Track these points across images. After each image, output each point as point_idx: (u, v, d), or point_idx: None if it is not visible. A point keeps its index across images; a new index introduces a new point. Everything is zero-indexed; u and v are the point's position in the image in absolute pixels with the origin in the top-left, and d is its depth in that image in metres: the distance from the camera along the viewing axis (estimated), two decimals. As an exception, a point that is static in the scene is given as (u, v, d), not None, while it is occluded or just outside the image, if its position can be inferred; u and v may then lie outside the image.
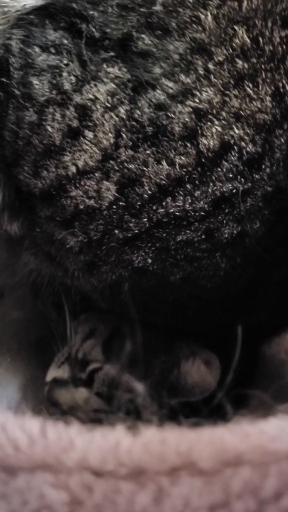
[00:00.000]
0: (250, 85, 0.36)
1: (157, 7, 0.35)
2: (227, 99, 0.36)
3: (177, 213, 0.38)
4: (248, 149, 0.37)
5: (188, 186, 0.37)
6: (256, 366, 0.43)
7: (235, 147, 0.37)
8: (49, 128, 0.37)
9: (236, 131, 0.36)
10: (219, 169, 0.37)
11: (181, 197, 0.37)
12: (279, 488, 0.22)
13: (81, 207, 0.38)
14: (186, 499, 0.22)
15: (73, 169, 0.38)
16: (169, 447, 0.23)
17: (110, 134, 0.37)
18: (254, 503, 0.22)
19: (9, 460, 0.23)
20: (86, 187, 0.38)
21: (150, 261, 0.39)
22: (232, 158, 0.37)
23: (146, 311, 0.43)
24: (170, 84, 0.36)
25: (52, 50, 0.37)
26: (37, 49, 0.37)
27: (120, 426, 0.23)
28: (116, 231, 0.39)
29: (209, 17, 0.35)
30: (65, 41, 0.36)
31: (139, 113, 0.36)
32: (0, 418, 0.24)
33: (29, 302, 0.52)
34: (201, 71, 0.36)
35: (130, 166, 0.37)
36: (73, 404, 0.43)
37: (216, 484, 0.22)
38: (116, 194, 0.38)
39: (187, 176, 0.37)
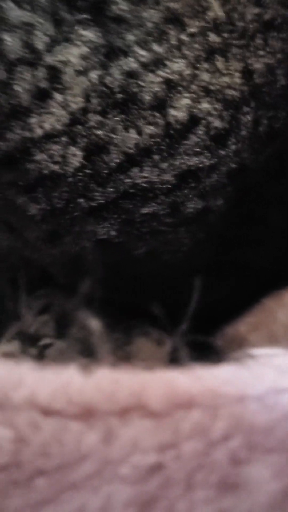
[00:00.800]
0: (221, 59, 0.37)
1: (134, -28, 0.36)
2: (197, 72, 0.37)
3: (144, 185, 0.38)
4: (215, 124, 0.37)
5: (155, 157, 0.38)
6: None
7: (203, 121, 0.37)
8: (18, 88, 0.37)
9: (205, 105, 0.37)
10: (186, 142, 0.38)
11: (148, 168, 0.38)
12: (228, 430, 0.22)
13: (46, 172, 0.38)
14: (135, 440, 0.22)
15: (39, 131, 0.38)
16: (121, 387, 0.22)
17: (79, 98, 0.37)
18: (202, 444, 0.22)
19: None
20: (52, 151, 0.38)
21: (114, 233, 0.40)
22: (200, 132, 0.37)
23: (105, 287, 0.43)
24: (143, 52, 0.37)
25: (26, 6, 0.37)
26: (10, 3, 0.37)
27: (73, 365, 0.23)
28: (81, 200, 0.39)
29: None
30: None
31: (110, 79, 0.37)
32: None
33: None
34: (173, 42, 0.37)
35: (98, 132, 0.37)
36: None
37: (166, 425, 0.22)
38: (83, 161, 0.38)
39: (155, 147, 0.38)
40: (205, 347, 0.35)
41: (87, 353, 0.28)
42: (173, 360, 0.25)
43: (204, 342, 0.35)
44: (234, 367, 0.23)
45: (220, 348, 0.28)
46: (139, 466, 0.22)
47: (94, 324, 0.24)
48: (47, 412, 0.23)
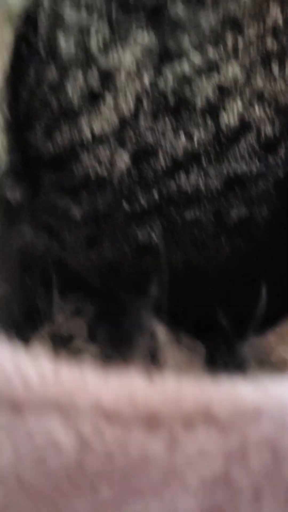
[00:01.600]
0: (277, 66, 0.37)
1: (194, -23, 0.36)
2: (252, 77, 0.37)
3: (189, 190, 0.38)
4: (266, 131, 0.37)
5: (203, 162, 0.38)
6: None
7: (254, 128, 0.37)
8: (69, 89, 0.37)
9: (257, 111, 0.37)
10: (236, 148, 0.38)
11: (195, 174, 0.38)
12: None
13: (92, 175, 0.38)
14: (200, 448, 0.22)
15: (88, 134, 0.38)
16: (186, 395, 0.22)
17: (130, 101, 0.37)
18: (271, 457, 0.22)
19: (18, 397, 0.23)
20: (100, 154, 0.38)
21: (155, 239, 0.39)
22: (250, 138, 0.37)
23: (140, 294, 0.43)
24: (197, 57, 0.37)
25: (84, 9, 0.37)
26: (68, 6, 0.37)
27: (136, 371, 0.23)
28: (125, 204, 0.39)
29: None
30: (98, 2, 0.37)
31: (163, 83, 0.37)
32: (12, 355, 0.23)
33: (16, 277, 0.51)
34: (230, 46, 0.37)
35: (148, 136, 0.38)
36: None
37: (232, 435, 0.22)
38: (130, 164, 0.38)
39: (203, 152, 0.37)
40: (264, 360, 0.35)
41: (149, 360, 0.28)
42: (239, 369, 0.25)
43: (264, 354, 0.34)
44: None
45: (282, 360, 0.28)
46: (205, 476, 0.22)
47: (160, 330, 0.24)
48: (112, 417, 0.23)
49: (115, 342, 0.34)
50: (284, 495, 0.21)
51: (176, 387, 0.23)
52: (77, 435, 0.23)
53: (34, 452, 0.22)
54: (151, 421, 0.23)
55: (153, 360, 0.27)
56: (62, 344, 0.44)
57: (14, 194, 0.44)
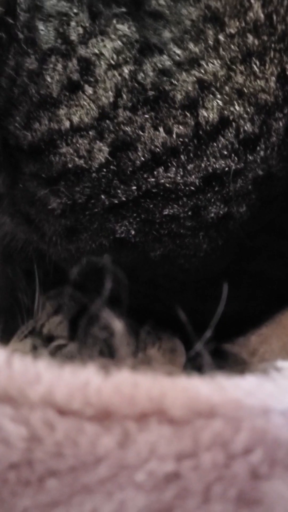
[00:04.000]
0: (257, 62, 0.36)
1: None
2: (232, 73, 0.36)
3: (168, 185, 0.37)
4: (245, 128, 0.37)
5: (182, 157, 0.37)
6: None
7: (233, 124, 0.37)
8: (48, 78, 0.36)
9: (237, 107, 0.36)
10: (215, 144, 0.37)
11: (174, 168, 0.37)
12: (249, 443, 0.21)
13: (70, 165, 0.37)
14: (152, 446, 0.22)
15: (67, 124, 0.37)
16: (141, 391, 0.22)
17: (110, 92, 0.36)
18: (222, 456, 0.21)
19: None
20: (78, 145, 0.37)
21: (133, 232, 0.39)
22: (229, 134, 0.37)
23: (121, 289, 0.42)
24: (178, 51, 0.36)
25: None
26: None
27: (92, 365, 0.22)
28: (103, 196, 0.38)
29: None
30: None
31: (143, 75, 0.36)
32: None
33: (-1, 268, 0.50)
34: (210, 42, 0.36)
35: (127, 128, 0.37)
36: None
37: (185, 433, 0.22)
38: (108, 157, 0.37)
39: (182, 147, 0.37)
40: (226, 356, 0.35)
41: (106, 354, 0.27)
42: (195, 367, 0.24)
43: (226, 351, 0.34)
44: (258, 379, 0.22)
45: (243, 358, 0.27)
46: (155, 474, 0.21)
47: (117, 324, 0.23)
48: (63, 411, 0.22)
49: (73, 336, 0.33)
50: (234, 494, 0.21)
51: (130, 382, 0.22)
52: (27, 427, 0.22)
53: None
54: (104, 416, 0.22)
55: (111, 355, 0.27)
56: (43, 342, 0.43)
57: (-7, 183, 0.43)
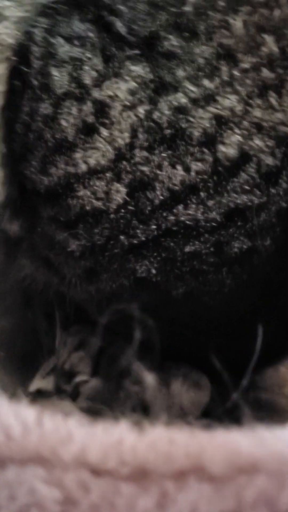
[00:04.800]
0: (274, 95, 0.36)
1: (188, 8, 0.35)
2: (249, 108, 0.36)
3: (188, 222, 0.37)
4: (267, 161, 0.36)
5: (202, 194, 0.36)
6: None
7: (254, 159, 0.36)
8: (64, 122, 0.36)
9: (257, 142, 0.36)
10: (235, 179, 0.36)
11: (194, 206, 0.36)
12: (297, 500, 0.20)
13: (88, 208, 0.37)
14: (193, 506, 0.20)
15: (83, 167, 0.37)
16: (177, 448, 0.21)
17: (126, 133, 0.36)
18: (269, 515, 0.20)
19: (-1, 449, 0.21)
20: (95, 187, 0.37)
21: (154, 271, 0.38)
22: (250, 169, 0.36)
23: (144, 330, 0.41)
24: (193, 88, 0.36)
25: (76, 42, 0.36)
26: (60, 40, 0.36)
27: (125, 422, 0.21)
28: (122, 237, 0.38)
29: (239, 23, 0.35)
30: (91, 34, 0.36)
31: (159, 114, 0.36)
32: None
33: (18, 310, 0.50)
34: (225, 77, 0.36)
35: (144, 168, 0.36)
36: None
37: (227, 492, 0.20)
38: (126, 197, 0.37)
39: (201, 184, 0.36)
40: (265, 405, 0.33)
41: (139, 409, 0.26)
42: (233, 418, 0.23)
43: (265, 400, 0.32)
44: (300, 429, 0.21)
45: (284, 406, 0.26)
46: (197, 537, 0.20)
47: (149, 378, 0.22)
48: (98, 472, 0.21)
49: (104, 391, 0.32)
50: None
51: (166, 439, 0.21)
52: (61, 490, 0.21)
53: (14, 507, 0.21)
54: (140, 475, 0.21)
55: (143, 410, 0.26)
56: (65, 379, 0.42)
57: (12, 227, 0.43)
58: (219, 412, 0.26)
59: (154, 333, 0.30)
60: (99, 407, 0.31)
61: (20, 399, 0.43)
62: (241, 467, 0.20)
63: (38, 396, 0.41)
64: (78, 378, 0.41)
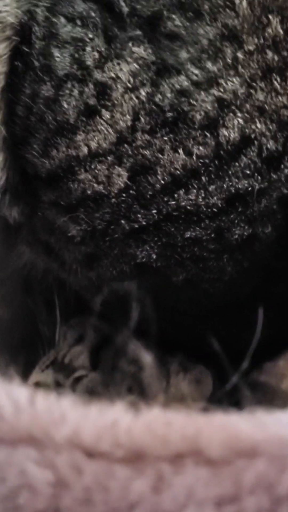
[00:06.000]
0: (278, 79, 0.34)
1: (193, -13, 0.34)
2: (252, 91, 0.34)
3: (189, 207, 0.36)
4: (268, 145, 0.35)
5: (203, 178, 0.35)
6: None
7: (256, 142, 0.35)
8: (65, 105, 0.35)
9: (259, 125, 0.35)
10: (237, 163, 0.35)
11: (195, 190, 0.35)
12: (297, 485, 0.19)
13: (89, 192, 0.36)
14: (189, 490, 0.19)
15: (85, 150, 0.35)
16: (174, 430, 0.19)
17: (128, 116, 0.35)
18: (268, 500, 0.19)
19: (-10, 429, 0.20)
20: (97, 171, 0.36)
21: (154, 257, 0.37)
22: (252, 153, 0.35)
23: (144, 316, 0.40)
24: (196, 71, 0.34)
25: (78, 22, 0.35)
26: (62, 19, 0.35)
27: (120, 403, 0.20)
28: (123, 221, 0.36)
29: (244, 3, 0.34)
30: (93, 14, 0.35)
31: (160, 97, 0.35)
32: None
33: (17, 299, 0.49)
34: (229, 60, 0.34)
35: (145, 152, 0.35)
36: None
37: (225, 475, 0.19)
38: (127, 181, 0.35)
39: (203, 168, 0.35)
40: (264, 389, 0.32)
41: (136, 390, 0.25)
42: (232, 402, 0.22)
43: (264, 383, 0.31)
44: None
45: (283, 390, 0.25)
46: (194, 521, 0.19)
47: (146, 358, 0.21)
48: (91, 454, 0.20)
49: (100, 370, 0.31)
50: None
51: (163, 421, 0.20)
52: (53, 471, 0.20)
53: (4, 488, 0.20)
54: (135, 458, 0.20)
55: (140, 391, 0.24)
56: (64, 373, 0.41)
57: (12, 213, 0.42)
58: (218, 395, 0.25)
59: (151, 312, 0.29)
60: (94, 387, 0.30)
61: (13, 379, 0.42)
62: (240, 450, 0.19)
63: (37, 389, 0.40)
64: (78, 373, 0.40)
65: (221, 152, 0.35)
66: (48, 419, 0.20)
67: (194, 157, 0.35)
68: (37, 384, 0.41)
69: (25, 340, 0.49)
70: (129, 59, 0.35)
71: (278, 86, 0.34)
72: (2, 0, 0.35)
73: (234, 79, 0.34)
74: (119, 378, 0.26)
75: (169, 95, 0.35)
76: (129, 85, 0.35)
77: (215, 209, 0.35)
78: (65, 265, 0.40)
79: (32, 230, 0.40)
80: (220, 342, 0.38)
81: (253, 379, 0.34)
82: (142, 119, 0.35)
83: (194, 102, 0.34)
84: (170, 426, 0.19)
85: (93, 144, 0.35)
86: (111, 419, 0.20)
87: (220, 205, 0.35)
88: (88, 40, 0.35)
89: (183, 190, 0.35)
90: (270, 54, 0.34)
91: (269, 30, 0.34)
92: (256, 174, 0.35)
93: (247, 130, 0.34)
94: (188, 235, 0.36)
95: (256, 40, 0.34)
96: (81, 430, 0.20)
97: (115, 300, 0.36)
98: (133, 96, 0.35)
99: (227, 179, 0.35)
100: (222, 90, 0.34)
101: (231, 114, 0.34)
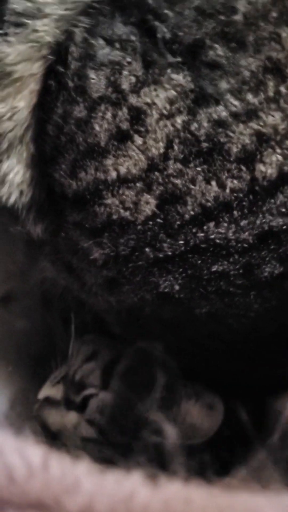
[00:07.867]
0: None
1: (238, 17, 0.32)
2: None
3: (218, 241, 0.34)
4: None
5: (235, 213, 0.33)
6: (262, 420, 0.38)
7: None
8: (97, 127, 0.34)
9: None
10: (272, 200, 0.33)
11: (226, 224, 0.33)
12: None
13: (115, 217, 0.34)
14: None
15: (113, 174, 0.34)
16: (194, 509, 0.18)
17: (161, 143, 0.33)
18: None
19: (1, 490, 0.19)
20: (124, 196, 0.34)
21: (177, 288, 0.35)
22: None
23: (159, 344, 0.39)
24: (235, 102, 0.32)
25: (117, 45, 0.33)
26: (101, 41, 0.33)
27: (138, 473, 0.18)
28: (147, 249, 0.35)
29: None
30: (133, 38, 0.33)
31: (197, 126, 0.33)
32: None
33: (37, 312, 0.48)
34: (271, 93, 0.32)
35: (177, 181, 0.33)
36: (61, 428, 0.38)
37: None
38: (155, 210, 0.34)
39: (236, 202, 0.33)
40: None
41: (156, 461, 0.23)
42: (255, 476, 0.20)
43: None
44: None
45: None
46: None
47: (170, 430, 0.20)
48: (105, 527, 0.19)
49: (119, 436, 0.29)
50: None
51: (183, 497, 0.18)
52: None
53: None
54: (151, 536, 0.19)
55: (161, 463, 0.23)
56: (74, 388, 0.40)
57: (35, 229, 0.40)
58: (240, 469, 0.23)
59: (177, 377, 0.28)
60: (112, 454, 0.28)
61: (27, 403, 0.41)
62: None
63: (46, 404, 0.39)
64: (88, 391, 0.38)
65: (256, 188, 0.33)
66: (61, 486, 0.18)
67: (228, 190, 0.33)
68: (47, 399, 0.41)
69: (41, 353, 0.48)
70: (166, 86, 0.33)
71: None
72: (40, 20, 0.33)
73: (275, 114, 0.32)
74: (139, 447, 0.24)
75: (205, 124, 0.33)
76: (165, 111, 0.33)
77: (245, 245, 0.34)
78: (85, 286, 0.38)
79: (55, 248, 0.39)
80: (237, 379, 0.37)
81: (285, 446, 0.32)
82: (176, 147, 0.33)
83: (232, 134, 0.32)
84: (190, 505, 0.18)
85: (123, 169, 0.34)
86: (127, 491, 0.18)
87: (251, 241, 0.33)
88: (125, 63, 0.33)
89: (213, 222, 0.33)
90: None
91: None
92: None
93: (285, 168, 0.33)
94: (215, 269, 0.34)
95: None
96: (95, 501, 0.18)
97: (140, 364, 0.34)
98: (168, 123, 0.33)
99: (260, 215, 0.33)
100: (262, 123, 0.32)
101: (269, 149, 0.32)
